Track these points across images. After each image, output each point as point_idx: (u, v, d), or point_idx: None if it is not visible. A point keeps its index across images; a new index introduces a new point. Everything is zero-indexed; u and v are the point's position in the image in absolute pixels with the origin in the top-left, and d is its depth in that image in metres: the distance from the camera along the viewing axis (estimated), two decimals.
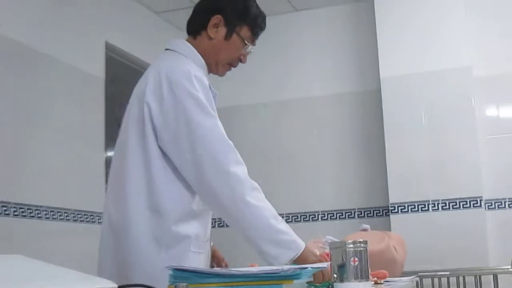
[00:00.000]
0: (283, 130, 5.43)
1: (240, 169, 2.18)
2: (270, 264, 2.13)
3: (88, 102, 4.35)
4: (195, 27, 2.41)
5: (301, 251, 2.15)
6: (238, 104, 5.48)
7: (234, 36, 2.37)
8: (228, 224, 2.27)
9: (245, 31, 2.38)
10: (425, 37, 4.86)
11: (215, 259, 2.64)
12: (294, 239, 2.17)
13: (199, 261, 2.26)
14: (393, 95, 4.90)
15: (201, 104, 2.19)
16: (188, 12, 2.49)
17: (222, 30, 2.36)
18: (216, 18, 2.35)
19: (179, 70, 2.24)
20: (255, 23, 2.40)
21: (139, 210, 2.21)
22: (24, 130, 3.77)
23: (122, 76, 4.71)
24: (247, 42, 2.39)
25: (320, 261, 2.12)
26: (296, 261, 2.12)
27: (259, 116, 5.51)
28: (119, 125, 2.37)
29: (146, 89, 2.24)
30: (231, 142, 2.21)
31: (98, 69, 4.49)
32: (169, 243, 2.21)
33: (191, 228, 2.26)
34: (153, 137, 2.22)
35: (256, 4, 2.44)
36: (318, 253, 2.28)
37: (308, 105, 5.39)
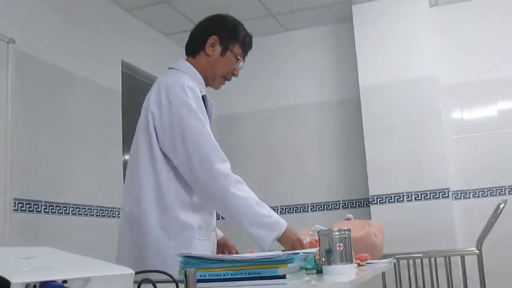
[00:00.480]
0: (275, 134, 5.42)
1: (224, 166, 2.21)
2: (259, 244, 2.17)
3: (107, 112, 4.36)
4: (194, 48, 2.47)
5: (283, 230, 2.18)
6: (234, 112, 5.48)
7: (228, 53, 2.43)
8: (220, 214, 2.31)
9: (237, 48, 2.44)
10: (398, 50, 4.87)
11: (227, 248, 2.65)
12: (277, 220, 2.20)
13: (204, 247, 2.27)
14: (370, 101, 4.90)
15: (193, 110, 2.23)
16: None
17: (218, 48, 2.42)
18: (213, 38, 2.42)
19: (175, 82, 2.29)
20: (245, 42, 2.46)
21: (149, 205, 2.24)
22: (53, 138, 3.77)
23: (136, 90, 4.70)
24: (239, 58, 2.44)
25: (300, 241, 2.17)
26: (280, 239, 2.16)
27: (253, 122, 5.50)
28: (134, 132, 2.39)
29: (150, 100, 2.30)
30: (216, 143, 2.25)
31: (115, 83, 4.49)
32: (175, 232, 2.23)
33: (194, 218, 2.27)
34: (156, 141, 2.27)
35: (243, 26, 2.49)
36: (308, 239, 2.28)
37: (296, 112, 5.39)
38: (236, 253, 2.60)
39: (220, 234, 2.63)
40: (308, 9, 5.08)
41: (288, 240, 2.17)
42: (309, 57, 5.43)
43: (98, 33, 4.34)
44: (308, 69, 5.41)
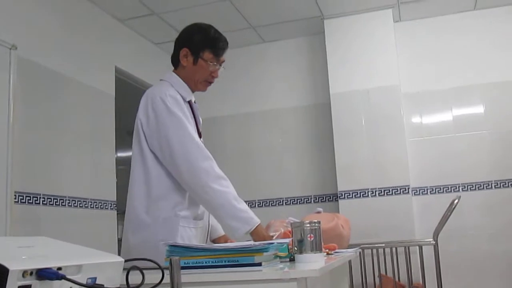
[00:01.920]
0: (254, 135, 5.41)
1: (207, 163, 2.23)
2: (233, 235, 2.26)
3: (101, 114, 4.32)
4: (174, 61, 2.49)
5: (256, 226, 2.20)
6: (216, 115, 5.46)
7: (200, 60, 2.40)
8: (203, 206, 2.34)
9: (207, 55, 2.40)
10: (364, 61, 4.89)
11: None
12: (251, 216, 2.22)
13: (190, 235, 2.28)
14: (340, 107, 4.91)
15: (174, 116, 2.26)
16: None
17: (190, 58, 2.41)
18: (184, 51, 2.42)
19: (158, 92, 2.32)
20: (215, 47, 2.42)
21: (140, 201, 2.28)
22: (52, 137, 3.74)
23: (128, 94, 4.67)
24: (210, 63, 2.41)
25: (270, 237, 2.21)
26: (252, 233, 2.19)
27: (233, 125, 5.49)
28: (127, 132, 2.41)
29: (139, 109, 2.35)
30: (200, 142, 2.27)
31: (109, 87, 4.46)
32: (163, 221, 2.24)
33: (181, 208, 2.28)
34: (145, 144, 2.31)
35: (215, 31, 2.46)
36: (282, 230, 2.29)
37: (273, 115, 5.39)
38: None
39: (221, 231, 2.62)
40: (285, 23, 5.08)
41: (259, 235, 2.19)
42: (285, 66, 5.43)
43: (94, 41, 4.31)
44: (284, 77, 5.41)
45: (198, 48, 2.40)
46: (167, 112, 2.25)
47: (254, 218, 2.21)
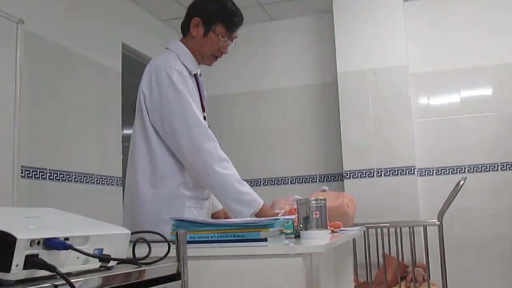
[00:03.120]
0: (261, 114, 5.40)
1: (211, 145, 2.17)
2: (237, 218, 2.15)
3: (108, 90, 4.32)
4: (184, 29, 2.38)
5: (259, 207, 2.17)
6: (223, 93, 5.44)
7: (211, 33, 2.31)
8: (205, 187, 2.28)
9: (219, 29, 2.31)
10: (373, 41, 4.86)
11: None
12: (255, 198, 2.18)
13: (194, 214, 2.25)
14: (347, 86, 4.89)
15: (179, 93, 2.17)
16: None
17: (201, 30, 2.32)
18: (195, 20, 2.32)
19: (163, 65, 2.23)
20: (229, 21, 2.33)
21: (143, 178, 2.23)
22: (58, 112, 3.74)
23: (135, 70, 4.62)
24: (222, 37, 2.32)
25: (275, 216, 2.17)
26: (256, 215, 2.14)
27: (241, 103, 5.48)
28: (133, 109, 2.36)
29: (142, 81, 2.27)
30: (203, 123, 2.19)
31: (116, 64, 4.45)
32: (167, 199, 2.21)
33: (186, 188, 2.25)
34: (148, 118, 2.23)
35: (232, 3, 2.37)
36: (287, 207, 2.29)
37: (280, 94, 5.38)
38: None
39: (218, 206, 2.58)
40: (293, 1, 5.04)
41: (265, 216, 2.14)
42: (292, 45, 5.40)
43: (101, 17, 4.29)
44: (291, 55, 5.39)
45: (211, 20, 2.30)
46: (172, 88, 2.17)
47: (257, 200, 2.18)
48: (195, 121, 2.17)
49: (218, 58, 2.42)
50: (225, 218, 2.59)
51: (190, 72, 2.30)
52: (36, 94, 3.54)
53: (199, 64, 2.40)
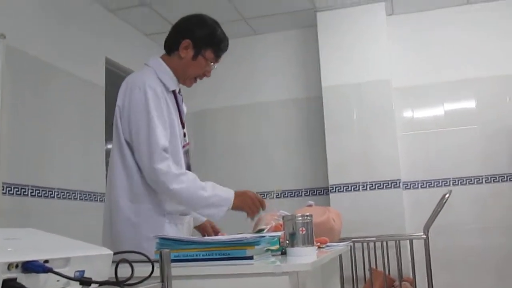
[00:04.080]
0: (245, 128, 5.39)
1: (164, 164, 2.14)
2: (214, 220, 2.31)
3: (91, 105, 4.28)
4: (170, 47, 2.37)
5: (231, 203, 2.22)
6: (206, 108, 5.43)
7: (200, 57, 2.32)
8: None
9: (209, 53, 2.33)
10: (357, 55, 4.88)
11: (206, 231, 2.60)
12: (222, 197, 2.21)
13: (174, 230, 2.24)
14: (332, 100, 4.90)
15: (148, 112, 2.16)
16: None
17: (190, 52, 2.31)
18: (186, 42, 2.30)
19: (138, 81, 2.23)
20: (218, 47, 2.35)
21: (123, 193, 2.21)
22: (41, 127, 3.69)
23: (118, 85, 4.60)
24: (210, 62, 2.34)
25: (251, 198, 2.26)
26: (232, 209, 2.22)
27: (224, 118, 5.46)
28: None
29: (118, 96, 2.27)
30: (159, 141, 2.15)
31: (99, 79, 4.42)
32: (146, 217, 2.19)
33: (165, 204, 2.24)
34: (122, 134, 2.23)
35: (221, 30, 2.38)
36: (273, 224, 2.27)
37: (264, 108, 5.37)
38: (216, 233, 2.56)
39: (202, 218, 2.57)
40: (277, 15, 5.06)
41: (240, 206, 2.24)
42: (277, 59, 5.41)
43: (84, 31, 4.26)
44: (275, 69, 5.39)
45: (201, 44, 2.31)
46: (142, 105, 2.17)
47: (224, 197, 2.21)
48: (154, 142, 2.14)
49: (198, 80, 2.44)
50: (211, 228, 2.58)
51: (167, 89, 2.30)
52: (18, 109, 3.50)
53: (179, 83, 2.40)
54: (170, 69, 2.34)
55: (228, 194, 2.23)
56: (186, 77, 2.36)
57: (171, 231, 2.18)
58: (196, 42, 2.30)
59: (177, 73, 2.35)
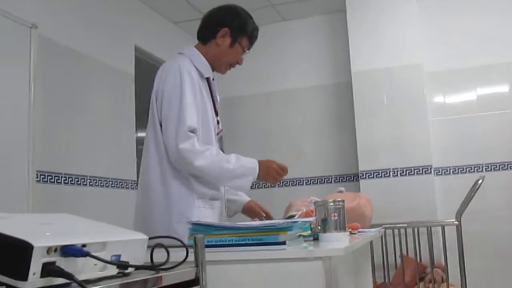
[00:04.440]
0: (275, 114, 5.39)
1: (188, 143, 2.17)
2: (243, 191, 2.36)
3: (121, 93, 4.33)
4: (205, 36, 2.44)
5: (256, 173, 2.28)
6: (236, 95, 5.43)
7: (237, 45, 2.40)
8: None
9: (244, 41, 2.42)
10: (387, 39, 4.82)
11: (251, 214, 2.60)
12: (247, 167, 2.27)
13: (203, 214, 2.26)
14: (361, 85, 4.86)
15: (182, 90, 2.21)
16: (199, 23, 2.50)
17: (228, 40, 2.39)
18: (224, 31, 2.38)
19: (174, 65, 2.30)
20: (252, 35, 2.45)
21: (155, 177, 2.27)
22: (72, 116, 3.75)
23: (148, 73, 4.65)
24: (245, 49, 2.43)
25: (274, 169, 2.35)
26: (259, 176, 2.28)
27: (255, 104, 5.46)
28: (146, 111, 2.38)
29: (155, 81, 2.34)
30: (187, 121, 2.18)
31: (129, 67, 4.45)
32: (178, 199, 2.24)
33: (194, 188, 2.27)
34: (157, 116, 2.28)
35: (253, 20, 2.47)
36: (304, 210, 2.27)
37: (294, 95, 5.35)
38: (266, 216, 2.56)
39: (245, 199, 2.61)
40: (306, 1, 5.02)
41: (264, 177, 2.31)
42: (306, 45, 5.38)
43: (113, 20, 4.29)
44: (304, 55, 5.36)
45: (239, 32, 2.39)
46: (177, 87, 2.23)
47: (249, 166, 2.27)
48: (183, 123, 2.18)
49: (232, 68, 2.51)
50: (249, 213, 2.58)
51: (202, 75, 2.35)
52: (50, 99, 3.55)
53: (213, 71, 2.46)
54: (204, 57, 2.40)
55: (253, 164, 2.30)
56: (221, 64, 2.44)
57: (200, 215, 2.21)
58: (233, 30, 2.39)
59: (213, 61, 2.42)
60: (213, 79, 2.45)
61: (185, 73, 2.24)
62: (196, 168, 2.18)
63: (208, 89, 2.39)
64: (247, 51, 2.45)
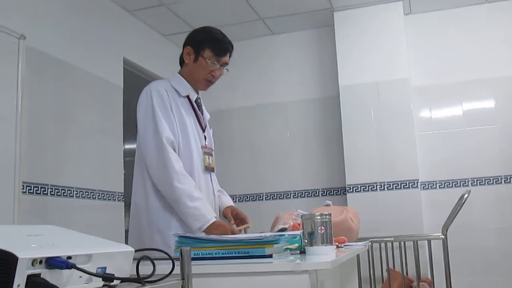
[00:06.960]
0: (262, 128, 5.39)
1: (172, 158, 2.29)
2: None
3: (109, 105, 4.32)
4: (180, 59, 2.59)
5: (208, 222, 2.23)
6: (227, 108, 5.43)
7: (200, 58, 2.48)
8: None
9: (207, 53, 2.47)
10: (375, 54, 4.86)
11: (238, 220, 2.56)
12: (203, 213, 2.24)
13: (181, 227, 2.29)
14: (349, 100, 4.89)
15: (152, 113, 2.35)
16: (186, 35, 2.62)
17: (192, 56, 2.50)
18: (187, 49, 2.52)
19: (146, 87, 2.44)
20: (215, 46, 2.48)
21: (139, 189, 2.39)
22: (60, 127, 3.73)
23: (136, 85, 4.65)
24: (209, 61, 2.47)
25: (228, 232, 2.22)
26: (206, 230, 2.22)
27: (243, 117, 5.47)
28: (134, 124, 2.46)
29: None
30: (163, 142, 2.30)
31: (117, 79, 4.45)
32: (158, 211, 2.33)
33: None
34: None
35: (221, 33, 2.54)
36: (291, 223, 2.27)
37: (281, 108, 5.36)
38: (240, 222, 2.50)
39: (224, 204, 2.59)
40: (294, 15, 5.05)
41: (212, 233, 2.19)
42: (294, 59, 5.40)
43: (102, 32, 4.29)
44: (293, 69, 5.38)
45: (200, 46, 2.48)
46: (144, 108, 2.37)
47: (205, 215, 2.24)
48: (154, 147, 2.31)
49: (212, 83, 2.56)
50: (233, 213, 2.54)
51: (179, 94, 2.47)
52: (38, 110, 3.53)
53: (196, 90, 2.58)
54: (183, 77, 2.53)
55: (210, 215, 2.26)
56: (197, 81, 2.53)
57: (178, 226, 2.28)
58: (194, 46, 2.50)
59: (189, 80, 2.53)
60: (198, 98, 2.56)
61: (153, 91, 2.38)
62: (171, 187, 2.26)
63: (189, 106, 2.49)
64: (216, 62, 2.47)
